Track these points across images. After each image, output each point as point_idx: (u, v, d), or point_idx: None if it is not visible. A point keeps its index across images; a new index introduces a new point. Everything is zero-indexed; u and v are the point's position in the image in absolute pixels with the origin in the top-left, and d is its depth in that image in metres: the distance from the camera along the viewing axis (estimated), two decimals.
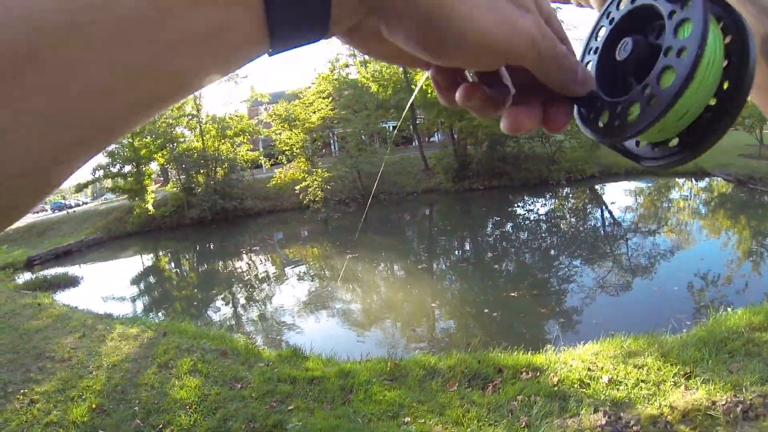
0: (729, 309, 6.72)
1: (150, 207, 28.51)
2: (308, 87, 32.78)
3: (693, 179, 25.50)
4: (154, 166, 32.91)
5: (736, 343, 5.36)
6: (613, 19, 0.50)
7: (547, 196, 27.16)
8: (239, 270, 17.97)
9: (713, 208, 19.63)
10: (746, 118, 26.92)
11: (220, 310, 13.28)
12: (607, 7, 0.51)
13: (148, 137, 29.52)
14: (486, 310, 10.32)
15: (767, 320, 5.79)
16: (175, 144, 30.90)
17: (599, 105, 0.47)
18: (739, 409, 4.25)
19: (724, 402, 4.35)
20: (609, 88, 0.48)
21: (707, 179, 24.79)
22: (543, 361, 5.70)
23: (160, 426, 4.83)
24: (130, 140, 29.22)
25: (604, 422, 4.34)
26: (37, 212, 52.76)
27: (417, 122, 34.55)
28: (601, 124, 0.47)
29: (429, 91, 27.88)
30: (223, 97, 32.26)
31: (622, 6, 0.49)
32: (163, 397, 5.43)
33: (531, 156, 30.63)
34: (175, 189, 30.99)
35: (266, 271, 17.46)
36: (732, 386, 4.54)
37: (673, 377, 4.96)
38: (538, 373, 5.41)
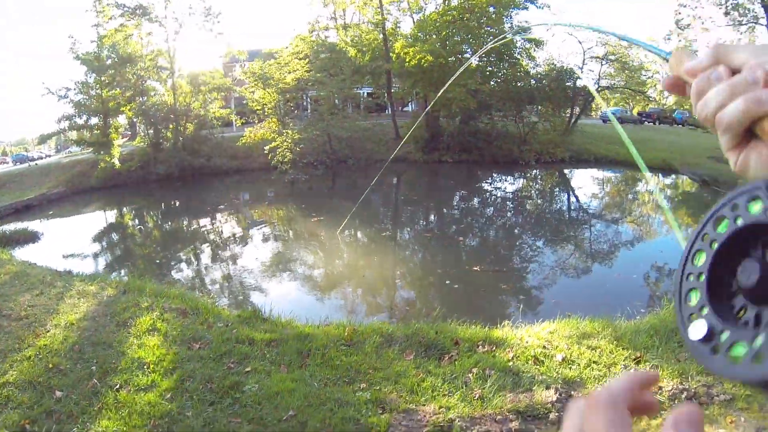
0: None
1: (116, 161, 27.80)
2: (285, 47, 32.32)
3: (660, 175, 25.90)
4: (121, 120, 32.19)
5: None
6: (713, 241, 0.49)
7: (516, 175, 27.38)
8: (204, 229, 17.83)
9: (677, 205, 19.99)
10: None
11: (183, 269, 13.18)
12: (702, 229, 0.51)
13: (117, 89, 28.78)
14: (447, 282, 10.43)
15: None
16: (145, 97, 30.20)
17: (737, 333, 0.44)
18: (683, 396, 4.40)
19: (670, 388, 4.49)
20: (724, 316, 0.46)
21: (674, 176, 25.22)
22: (500, 336, 5.78)
23: (117, 386, 4.79)
24: (98, 91, 28.45)
25: (554, 399, 4.44)
26: None
27: (392, 90, 34.33)
28: (737, 356, 0.43)
29: (407, 60, 27.72)
30: (199, 52, 31.32)
31: (721, 228, 0.49)
32: (121, 357, 5.39)
33: (503, 134, 30.76)
34: (142, 144, 30.36)
35: (231, 231, 17.36)
36: (679, 374, 4.68)
37: (623, 360, 5.09)
38: (494, 348, 5.48)
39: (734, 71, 0.55)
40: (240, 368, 5.17)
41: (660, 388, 4.50)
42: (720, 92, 0.55)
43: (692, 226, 16.52)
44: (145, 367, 5.15)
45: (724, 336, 0.44)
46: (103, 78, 28.32)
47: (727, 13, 25.89)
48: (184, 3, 30.37)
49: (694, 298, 0.49)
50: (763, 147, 0.54)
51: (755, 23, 25.99)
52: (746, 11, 25.61)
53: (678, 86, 0.65)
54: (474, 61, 27.70)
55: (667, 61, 0.69)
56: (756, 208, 0.45)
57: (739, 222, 0.46)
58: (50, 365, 5.19)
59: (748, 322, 0.43)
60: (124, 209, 23.88)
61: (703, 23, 26.83)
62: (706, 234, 0.50)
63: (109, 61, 28.84)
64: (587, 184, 25.73)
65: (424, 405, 4.47)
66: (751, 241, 0.46)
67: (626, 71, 35.43)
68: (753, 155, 0.55)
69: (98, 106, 28.29)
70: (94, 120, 28.97)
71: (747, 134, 0.54)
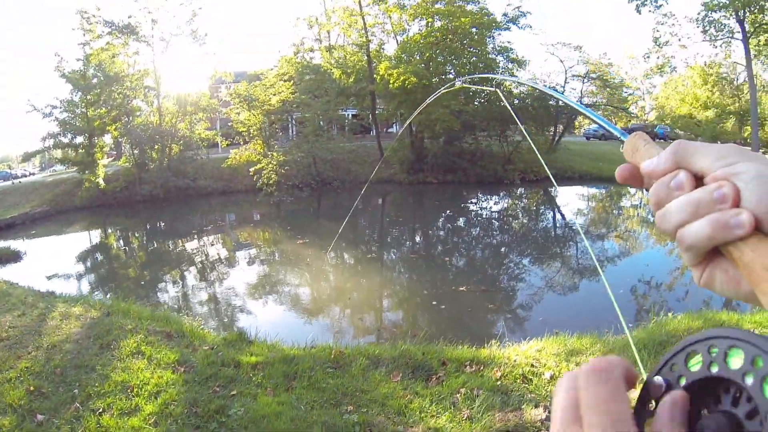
0: (670, 314, 6.92)
1: (101, 181, 27.71)
2: (270, 69, 32.45)
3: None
4: (107, 139, 32.07)
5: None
6: (680, 376, 0.49)
7: (501, 194, 27.52)
8: (189, 251, 17.72)
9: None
10: (699, 136, 28.07)
11: (168, 291, 13.07)
12: (670, 358, 0.50)
13: (103, 108, 28.68)
14: (434, 302, 10.40)
15: (705, 326, 5.96)
16: (131, 117, 30.12)
17: None
18: None
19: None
20: None
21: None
22: (487, 356, 5.76)
23: (100, 410, 4.70)
24: (84, 110, 28.34)
25: (544, 417, 4.41)
26: None
27: (376, 112, 34.48)
28: None
29: (391, 81, 27.89)
30: (185, 72, 31.30)
31: (693, 365, 0.48)
32: (105, 380, 5.29)
33: (487, 154, 30.94)
34: (127, 164, 30.23)
35: (217, 253, 17.28)
36: None
37: None
38: (482, 367, 5.45)
39: (698, 176, 0.53)
40: (225, 392, 5.10)
41: None
42: (681, 208, 0.52)
43: (673, 241, 16.62)
44: (129, 390, 5.06)
45: None
46: (88, 97, 28.31)
47: (704, 30, 26.30)
48: (171, 23, 30.32)
49: None
50: (728, 265, 0.51)
51: (731, 38, 26.44)
52: (722, 26, 26.03)
53: (634, 177, 0.62)
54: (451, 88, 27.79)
55: (622, 143, 0.67)
56: (696, 364, 0.47)
57: (682, 382, 0.47)
58: (32, 388, 5.08)
59: None
60: (109, 229, 23.76)
61: (680, 40, 27.25)
62: (674, 363, 0.49)
63: (95, 80, 28.86)
64: (572, 200, 25.92)
65: (412, 426, 4.43)
66: (700, 396, 0.47)
67: (608, 89, 35.84)
68: (718, 273, 0.53)
69: (83, 125, 28.21)
70: (79, 139, 28.96)
71: (712, 250, 0.52)
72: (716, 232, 0.49)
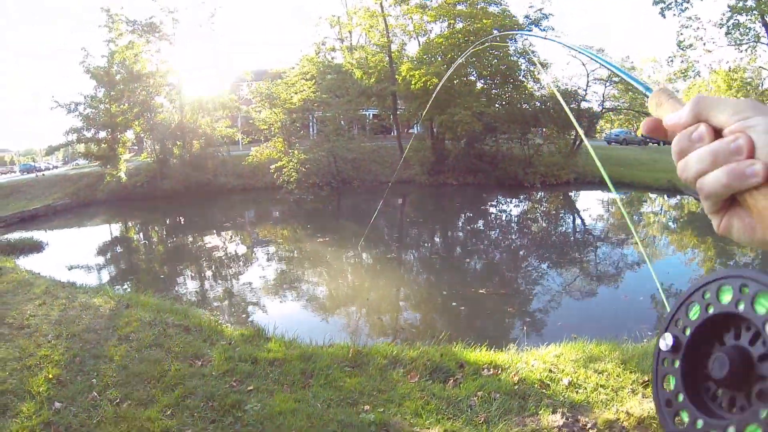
0: None
1: (122, 175, 28.01)
2: (292, 68, 32.57)
3: (665, 195, 25.88)
4: (129, 134, 32.39)
5: None
6: (686, 327, 0.53)
7: (521, 197, 27.36)
8: (208, 246, 17.82)
9: (682, 225, 19.96)
10: None
11: (187, 286, 13.12)
12: (675, 313, 0.55)
13: (126, 104, 28.96)
14: (453, 304, 10.36)
15: None
16: (153, 113, 30.41)
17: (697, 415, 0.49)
18: None
19: None
20: (698, 404, 0.50)
21: (679, 197, 25.20)
22: (505, 360, 5.72)
23: (117, 400, 4.72)
24: (107, 105, 28.66)
25: (561, 423, 4.37)
26: (5, 173, 51.60)
27: (397, 112, 34.47)
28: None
29: (412, 82, 27.87)
30: (206, 70, 31.51)
31: (693, 315, 0.53)
32: (123, 371, 5.32)
33: (508, 156, 30.79)
34: (149, 159, 30.52)
35: (236, 250, 17.34)
36: None
37: (631, 384, 5.01)
38: (500, 371, 5.41)
39: (717, 129, 0.55)
40: (242, 387, 5.10)
41: None
42: (701, 158, 0.55)
43: (698, 247, 16.60)
44: (146, 382, 5.09)
45: (699, 424, 0.48)
46: (112, 93, 28.57)
47: (728, 33, 25.91)
48: (192, 22, 30.59)
49: (670, 383, 0.53)
50: (745, 213, 0.54)
51: (756, 42, 26.03)
52: (747, 30, 25.64)
53: (658, 130, 0.64)
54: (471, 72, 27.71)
55: (647, 98, 0.68)
56: (726, 297, 0.49)
57: (711, 310, 0.50)
58: (50, 376, 5.13)
59: (722, 406, 0.48)
60: (129, 223, 23.99)
61: (704, 44, 26.85)
62: (679, 319, 0.54)
63: (118, 77, 29.11)
64: (592, 205, 25.71)
65: (428, 428, 4.40)
66: (722, 327, 0.50)
67: (630, 93, 35.48)
68: (735, 221, 0.56)
69: (106, 120, 28.56)
70: (102, 134, 29.28)
71: (729, 198, 0.55)
72: (732, 181, 0.52)
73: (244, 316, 10.19)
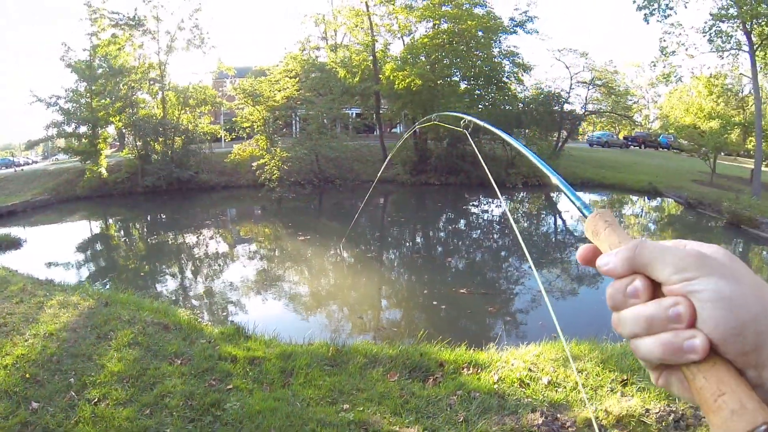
0: None
1: (103, 171, 27.71)
2: (276, 65, 32.48)
3: (646, 197, 26.19)
4: (110, 130, 32.08)
5: None
6: None
7: (503, 198, 27.45)
8: (189, 243, 17.72)
9: (663, 227, 20.21)
10: (702, 146, 28.18)
11: (167, 283, 13.04)
12: None
13: (108, 99, 28.66)
14: (434, 303, 10.38)
15: None
16: (135, 109, 30.14)
17: None
18: (671, 418, 4.40)
19: (657, 410, 4.47)
20: None
21: (659, 199, 25.53)
22: (485, 359, 5.74)
23: (95, 399, 4.69)
24: (88, 100, 28.35)
25: (540, 422, 4.40)
26: None
27: (380, 111, 34.48)
28: None
29: (396, 83, 27.89)
30: (189, 66, 31.10)
31: None
32: (101, 369, 5.27)
33: (491, 157, 30.91)
34: (130, 155, 30.20)
35: (217, 247, 17.25)
36: (666, 396, 4.68)
37: (610, 383, 5.05)
38: (479, 370, 5.44)
39: (655, 282, 0.52)
40: (221, 386, 5.09)
41: (647, 410, 4.48)
42: (635, 321, 0.51)
43: None
44: (125, 381, 5.05)
45: None
46: (93, 87, 28.26)
47: (710, 40, 26.25)
48: (176, 17, 30.39)
49: None
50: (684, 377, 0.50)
51: (738, 50, 26.40)
52: (728, 38, 25.98)
53: (595, 259, 0.59)
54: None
55: (584, 218, 0.65)
56: None
57: None
58: (27, 375, 5.07)
59: None
60: (110, 220, 23.76)
61: (687, 50, 27.17)
62: None
63: (100, 71, 28.82)
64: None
65: (408, 427, 4.41)
66: None
67: (612, 96, 35.79)
68: (674, 380, 0.52)
69: (88, 115, 28.18)
70: (82, 129, 28.94)
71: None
72: (667, 355, 0.49)
73: (224, 314, 10.14)
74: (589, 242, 0.64)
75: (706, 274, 0.48)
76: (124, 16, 28.87)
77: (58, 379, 5.07)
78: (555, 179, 0.79)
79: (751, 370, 0.47)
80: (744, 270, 0.50)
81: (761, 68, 26.78)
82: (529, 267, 13.91)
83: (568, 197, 0.73)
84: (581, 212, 0.70)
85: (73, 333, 6.29)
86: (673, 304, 0.48)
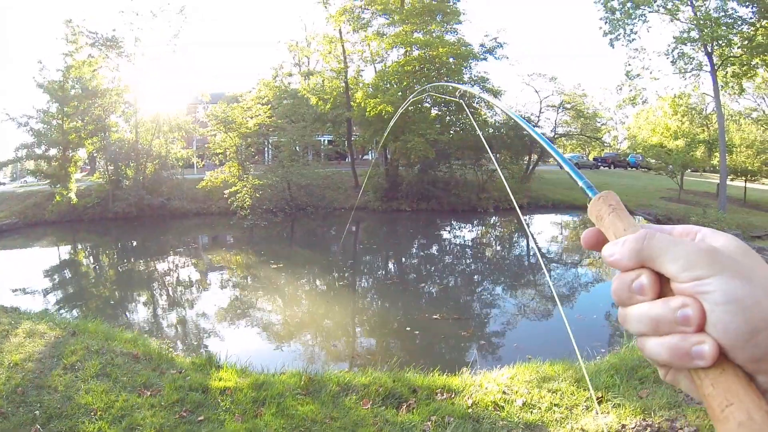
0: None
1: (73, 196, 27.16)
2: (249, 91, 32.50)
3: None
4: (81, 153, 31.54)
5: (647, 371, 5.66)
6: None
7: (475, 222, 27.69)
8: (161, 271, 17.50)
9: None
10: (669, 164, 28.88)
11: (137, 312, 12.86)
12: None
13: (80, 121, 28.22)
14: (408, 328, 10.34)
15: None
16: (107, 132, 29.70)
17: None
18: (647, 431, 4.39)
19: (633, 425, 4.50)
20: None
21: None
22: (459, 384, 5.75)
23: None
24: (60, 122, 27.89)
25: None
26: None
27: (352, 139, 34.62)
28: None
29: (367, 110, 28.06)
30: (164, 91, 30.88)
31: None
32: (67, 402, 5.16)
33: (461, 182, 31.16)
34: (101, 180, 29.70)
35: (188, 276, 17.06)
36: (641, 410, 4.71)
37: (585, 401, 5.07)
38: (453, 395, 5.43)
39: (662, 277, 0.49)
40: (192, 417, 5.01)
41: (623, 426, 4.50)
42: (641, 320, 0.49)
43: None
44: (92, 413, 4.95)
45: None
46: (66, 109, 27.80)
47: (673, 62, 27.10)
48: (153, 41, 30.13)
49: None
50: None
51: (700, 71, 27.28)
52: (690, 59, 26.87)
53: (599, 243, 0.57)
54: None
55: (589, 200, 0.62)
56: None
57: None
58: None
59: None
60: (79, 246, 23.38)
61: (651, 73, 28.01)
62: None
63: (73, 92, 28.40)
64: (546, 228, 26.19)
65: None
66: None
67: (581, 118, 36.43)
68: (682, 378, 0.50)
69: (58, 137, 27.65)
70: (53, 151, 28.36)
71: None
72: (674, 360, 0.47)
73: (195, 343, 10.03)
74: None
75: (718, 273, 0.45)
76: (101, 36, 28.51)
77: (23, 411, 4.95)
78: (559, 159, 0.75)
79: (762, 376, 0.45)
80: (757, 265, 0.48)
81: (722, 87, 27.67)
82: (504, 289, 13.97)
83: (572, 178, 0.72)
84: (585, 193, 0.65)
85: (39, 363, 6.14)
86: (681, 306, 0.46)
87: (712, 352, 0.44)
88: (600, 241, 0.57)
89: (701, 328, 0.45)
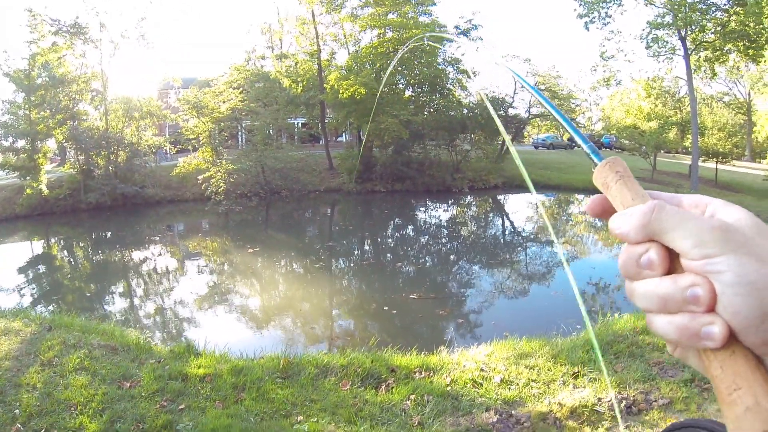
0: (617, 314, 7.12)
1: (43, 188, 26.58)
2: (221, 75, 32.14)
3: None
4: (51, 144, 30.87)
5: (622, 345, 5.78)
6: None
7: (450, 202, 27.81)
8: (136, 261, 17.36)
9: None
10: (642, 145, 29.31)
11: (114, 304, 12.78)
12: None
13: (47, 110, 27.61)
14: (386, 308, 10.39)
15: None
16: (77, 121, 29.11)
17: None
18: (623, 404, 4.56)
19: (609, 399, 4.58)
20: None
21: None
22: (436, 362, 5.80)
23: (43, 430, 4.57)
24: (27, 112, 27.26)
25: (495, 420, 4.46)
26: None
27: (326, 121, 34.46)
28: None
29: (340, 92, 27.92)
30: (133, 76, 30.21)
31: None
32: (47, 398, 5.12)
33: (436, 163, 31.21)
34: (72, 170, 29.10)
35: (164, 264, 16.94)
36: (617, 384, 4.83)
37: (562, 377, 5.18)
38: (431, 374, 5.49)
39: (671, 251, 0.47)
40: (173, 406, 5.00)
41: (599, 399, 4.59)
42: (648, 297, 0.47)
43: (622, 242, 17.13)
44: (72, 408, 4.92)
45: None
46: (32, 98, 27.15)
47: (647, 47, 27.40)
48: (119, 26, 29.55)
49: None
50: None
51: (673, 54, 27.62)
52: (665, 44, 27.20)
53: (607, 214, 0.55)
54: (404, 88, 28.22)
55: (594, 165, 0.59)
56: None
57: None
58: None
59: None
60: (52, 239, 23.02)
61: (626, 55, 28.33)
62: None
63: (39, 81, 27.74)
64: (521, 208, 26.41)
65: None
66: None
67: (556, 100, 36.60)
68: (691, 355, 0.49)
69: (26, 128, 26.97)
70: (21, 143, 27.65)
71: None
72: (683, 339, 0.45)
73: (174, 332, 10.02)
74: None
75: (730, 252, 0.43)
76: (64, 23, 27.86)
77: (2, 411, 4.90)
78: (565, 125, 0.71)
79: None
80: None
81: (695, 71, 28.07)
82: (481, 268, 14.06)
83: (578, 143, 0.66)
84: (590, 159, 0.61)
85: (15, 361, 6.07)
86: (691, 285, 0.44)
87: (722, 334, 0.43)
88: (606, 209, 0.55)
89: (711, 309, 0.43)
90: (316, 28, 32.15)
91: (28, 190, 26.16)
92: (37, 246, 21.97)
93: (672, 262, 0.47)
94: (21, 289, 14.15)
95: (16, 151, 27.54)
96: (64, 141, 29.62)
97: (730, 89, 43.13)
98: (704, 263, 0.44)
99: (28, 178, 26.49)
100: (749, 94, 40.90)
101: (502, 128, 0.97)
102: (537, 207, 26.57)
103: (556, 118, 0.77)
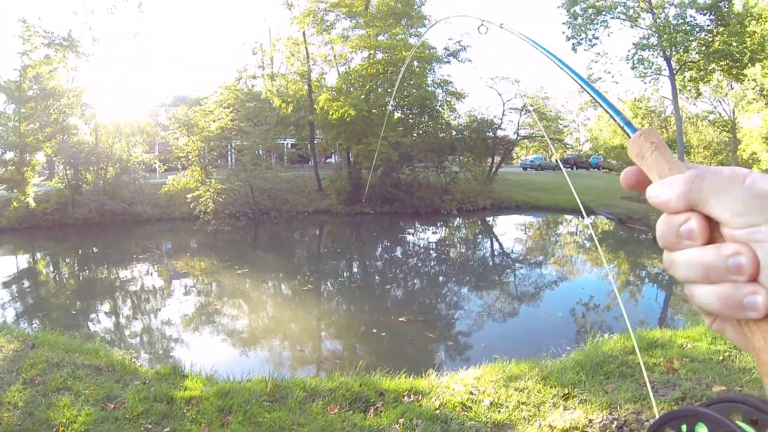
0: (606, 335, 7.14)
1: (31, 201, 26.32)
2: (212, 94, 32.17)
3: (579, 216, 27.05)
4: (40, 157, 30.63)
5: (611, 366, 5.77)
6: None
7: (438, 224, 27.87)
8: (123, 279, 17.19)
9: (594, 246, 20.84)
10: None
11: (100, 322, 12.64)
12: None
13: (37, 123, 27.41)
14: (374, 331, 10.34)
15: (640, 345, 6.21)
16: (67, 135, 28.91)
17: None
18: (614, 425, 4.59)
19: (600, 420, 4.59)
20: None
21: (592, 217, 26.50)
22: (425, 386, 5.78)
23: None
24: (17, 124, 27.06)
25: None
26: None
27: (315, 142, 34.52)
28: None
29: (330, 113, 28.01)
30: (124, 92, 30.09)
31: None
32: (28, 418, 5.07)
33: (425, 185, 31.30)
34: (60, 185, 28.90)
35: (152, 283, 16.77)
36: (607, 405, 4.81)
37: (552, 398, 5.17)
38: (420, 397, 5.46)
39: (711, 220, 0.46)
40: (158, 429, 4.96)
41: (590, 420, 4.57)
42: (690, 266, 0.46)
43: (612, 263, 17.34)
44: (54, 429, 4.89)
45: None
46: (23, 110, 26.97)
47: (633, 67, 27.84)
48: (112, 40, 29.48)
49: None
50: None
51: (659, 75, 28.10)
52: (650, 64, 27.67)
53: (642, 185, 0.55)
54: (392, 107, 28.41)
55: (628, 138, 0.58)
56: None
57: None
58: None
59: None
60: (38, 254, 22.77)
61: (612, 77, 28.73)
62: None
63: (30, 92, 27.58)
64: (510, 230, 26.50)
65: None
66: None
67: (544, 120, 36.90)
68: (729, 328, 0.49)
69: (15, 140, 26.75)
70: (9, 154, 27.47)
71: None
72: (725, 309, 0.44)
73: (160, 353, 9.91)
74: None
75: None
76: (57, 36, 27.77)
77: None
78: (596, 97, 0.70)
79: None
80: None
81: (680, 90, 28.52)
82: (470, 290, 14.05)
83: (610, 115, 0.66)
84: (624, 131, 0.60)
85: None
86: (734, 253, 0.43)
87: (766, 304, 0.42)
88: (641, 181, 0.55)
89: (755, 278, 0.43)
90: (306, 48, 32.30)
91: (15, 203, 25.97)
92: (22, 260, 21.70)
93: (712, 232, 0.47)
94: (4, 304, 13.98)
95: (4, 163, 27.33)
96: (53, 155, 29.44)
97: (715, 108, 43.76)
98: (747, 232, 0.43)
99: (15, 190, 26.28)
100: (734, 112, 41.55)
101: (550, 143, 0.96)
102: (529, 228, 26.70)
103: (586, 90, 0.77)
